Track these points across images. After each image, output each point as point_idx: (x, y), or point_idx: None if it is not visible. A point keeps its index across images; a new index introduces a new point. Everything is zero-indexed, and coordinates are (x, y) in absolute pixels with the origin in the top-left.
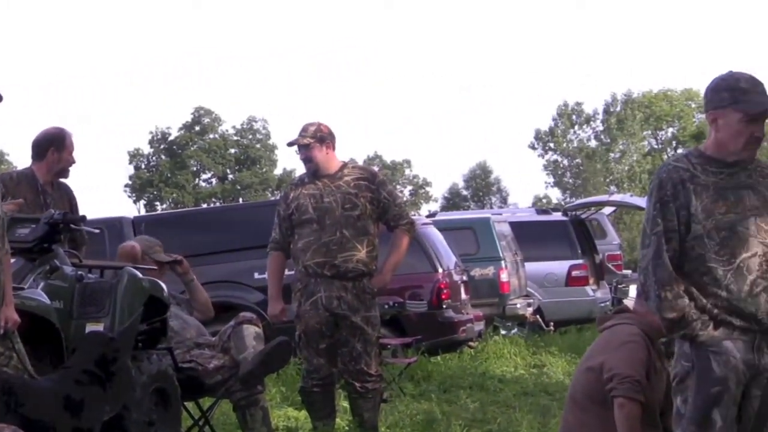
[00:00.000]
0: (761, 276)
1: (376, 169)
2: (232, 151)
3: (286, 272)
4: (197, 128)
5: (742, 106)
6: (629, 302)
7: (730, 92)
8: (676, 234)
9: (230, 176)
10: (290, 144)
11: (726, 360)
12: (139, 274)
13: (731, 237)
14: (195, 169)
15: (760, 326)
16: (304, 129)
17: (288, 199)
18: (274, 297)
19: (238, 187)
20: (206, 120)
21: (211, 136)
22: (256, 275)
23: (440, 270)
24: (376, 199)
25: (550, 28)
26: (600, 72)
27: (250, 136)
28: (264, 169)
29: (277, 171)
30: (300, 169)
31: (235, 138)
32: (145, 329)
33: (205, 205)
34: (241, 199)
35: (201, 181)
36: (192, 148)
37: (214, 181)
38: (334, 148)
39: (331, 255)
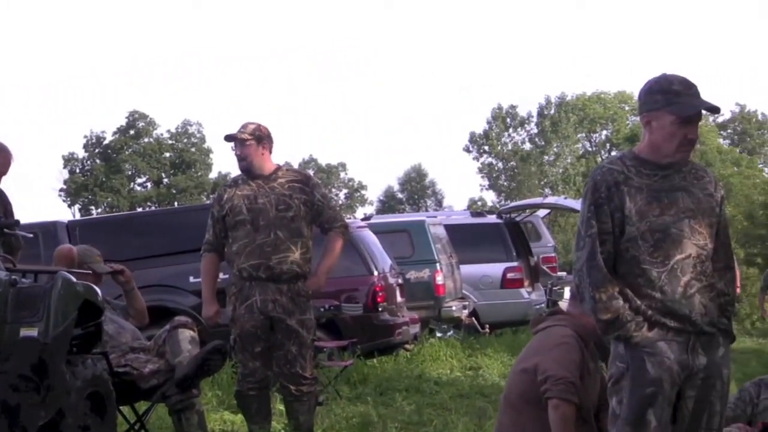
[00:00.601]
0: (695, 277)
1: (310, 172)
2: (167, 155)
3: (221, 276)
4: (132, 132)
5: (674, 109)
6: (564, 304)
7: (663, 95)
8: (610, 236)
9: (165, 180)
10: (228, 137)
11: (660, 361)
12: (74, 279)
13: (665, 239)
14: (130, 173)
15: (694, 327)
16: (244, 126)
17: (222, 201)
18: (208, 299)
19: (174, 191)
20: (141, 124)
21: (146, 140)
22: (192, 279)
23: (376, 273)
24: (310, 201)
25: (484, 32)
26: (534, 75)
27: (185, 140)
28: (199, 173)
29: (212, 175)
30: (235, 172)
31: (170, 142)
32: (79, 334)
33: (140, 209)
34: (176, 203)
35: (136, 185)
36: (127, 152)
37: (149, 185)
38: (270, 151)
39: (265, 257)
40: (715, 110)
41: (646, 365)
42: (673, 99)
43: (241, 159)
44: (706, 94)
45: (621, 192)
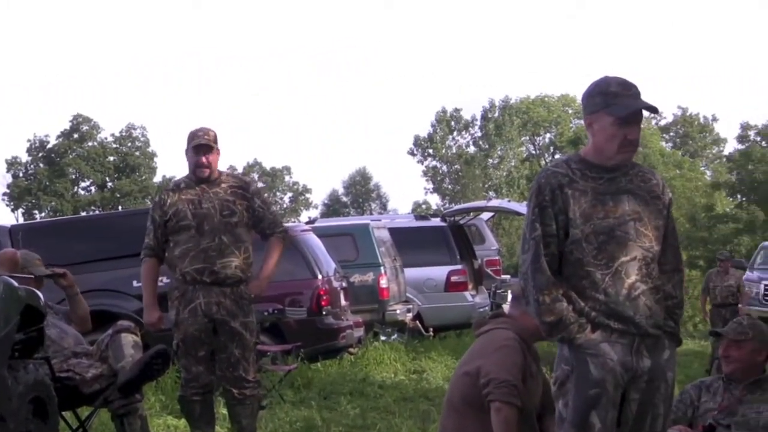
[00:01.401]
0: (640, 279)
1: (251, 177)
2: (111, 158)
3: (162, 280)
4: (76, 136)
5: (612, 110)
6: (508, 307)
7: (602, 96)
8: (554, 238)
9: (109, 184)
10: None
11: (603, 362)
12: (15, 283)
13: (609, 241)
14: (74, 177)
15: (638, 329)
16: (206, 132)
17: (165, 205)
18: (150, 305)
19: (118, 195)
20: (85, 128)
21: (90, 143)
22: (135, 283)
23: (320, 276)
24: (251, 207)
25: (428, 34)
26: (478, 78)
27: (129, 144)
28: (143, 177)
29: (157, 179)
30: (180, 175)
31: (114, 146)
32: (21, 338)
33: (83, 213)
34: (120, 207)
35: (80, 189)
36: (70, 156)
37: (93, 189)
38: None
39: (210, 261)
40: (652, 110)
41: (589, 367)
42: (611, 100)
43: (206, 166)
44: (649, 97)
45: (565, 195)
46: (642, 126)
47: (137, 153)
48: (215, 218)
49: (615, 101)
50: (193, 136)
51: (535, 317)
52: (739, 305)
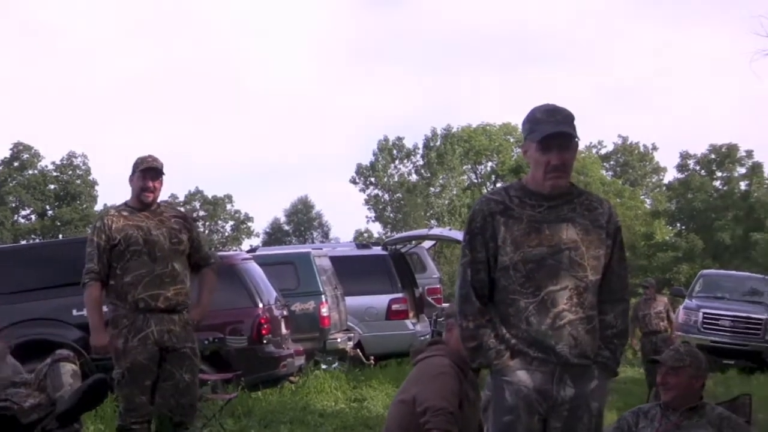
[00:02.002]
0: (569, 309)
1: (194, 205)
2: (52, 187)
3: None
4: (16, 164)
5: (532, 136)
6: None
7: (529, 124)
8: (484, 265)
9: (50, 212)
10: (148, 170)
11: (517, 389)
12: None
13: (538, 270)
14: (14, 205)
15: (558, 359)
16: (154, 159)
17: (110, 230)
18: (99, 327)
19: (58, 223)
20: (25, 156)
21: (31, 171)
22: (75, 312)
23: (260, 305)
24: (191, 238)
25: (371, 63)
26: (420, 107)
27: (70, 172)
28: (84, 205)
29: (98, 207)
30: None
31: (55, 174)
32: None
33: (24, 242)
34: (61, 236)
35: (20, 218)
36: (11, 184)
37: (33, 217)
38: None
39: (164, 287)
40: (567, 135)
41: (504, 393)
42: (534, 127)
43: (151, 191)
44: (587, 127)
45: (496, 222)
46: (582, 154)
47: (78, 181)
48: (165, 245)
49: (536, 128)
50: (141, 161)
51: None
52: (676, 333)
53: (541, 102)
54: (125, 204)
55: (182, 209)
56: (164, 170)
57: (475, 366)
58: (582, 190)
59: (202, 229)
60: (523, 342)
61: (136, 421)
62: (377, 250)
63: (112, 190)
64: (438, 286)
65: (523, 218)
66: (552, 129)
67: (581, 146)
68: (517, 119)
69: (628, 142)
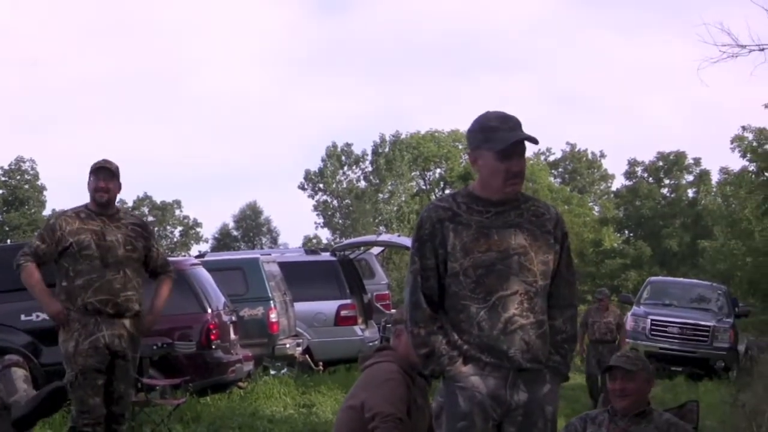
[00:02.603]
0: (519, 314)
1: (142, 211)
2: (0, 192)
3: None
4: None
5: (491, 145)
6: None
7: (482, 132)
8: (434, 272)
9: None
10: (101, 169)
11: (471, 395)
12: None
13: (488, 275)
14: None
15: (511, 364)
16: (109, 162)
17: (63, 231)
18: (47, 299)
19: (6, 229)
20: None
21: None
22: (23, 317)
23: (209, 310)
24: (147, 247)
25: (320, 69)
26: (369, 113)
27: (18, 177)
28: (33, 210)
29: (46, 212)
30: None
31: (3, 179)
32: None
33: None
34: (9, 241)
35: None
36: None
37: None
38: None
39: (114, 293)
40: (532, 140)
41: (458, 399)
42: (490, 135)
43: (106, 191)
44: (536, 134)
45: (445, 228)
46: (531, 161)
47: (26, 186)
48: (119, 251)
49: (493, 136)
50: (96, 163)
51: (412, 349)
52: (626, 339)
53: (490, 109)
54: (84, 207)
55: (143, 218)
56: (119, 174)
57: (428, 373)
58: (528, 196)
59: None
60: (475, 348)
61: (88, 423)
62: (326, 256)
63: (61, 195)
64: (386, 292)
65: (472, 224)
66: (514, 137)
67: (529, 153)
68: (466, 126)
69: (577, 150)
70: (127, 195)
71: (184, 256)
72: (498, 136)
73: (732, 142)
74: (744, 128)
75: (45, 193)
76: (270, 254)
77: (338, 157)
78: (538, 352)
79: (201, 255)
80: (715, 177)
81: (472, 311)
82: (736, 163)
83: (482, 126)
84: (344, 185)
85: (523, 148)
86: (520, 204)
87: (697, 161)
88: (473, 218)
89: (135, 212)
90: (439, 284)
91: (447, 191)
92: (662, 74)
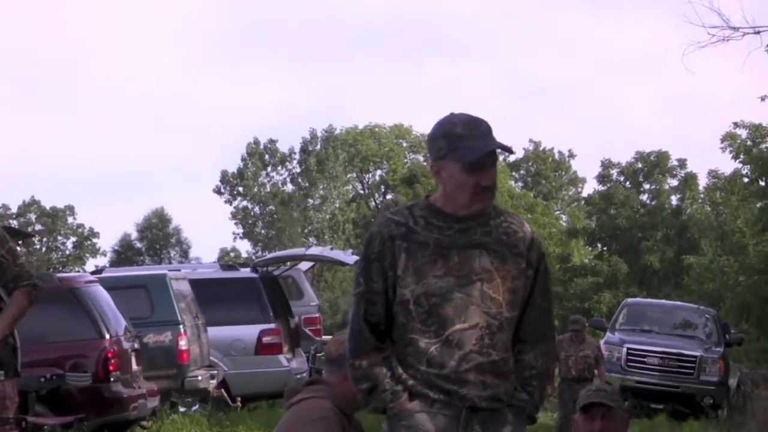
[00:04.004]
0: (477, 351)
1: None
2: None
3: None
4: None
5: (457, 155)
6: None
7: (447, 140)
8: (381, 297)
9: None
10: None
11: None
12: None
13: (443, 304)
14: None
15: (463, 402)
16: None
17: None
18: None
19: None
20: None
21: None
22: None
23: (107, 336)
24: None
25: (234, 53)
26: (297, 106)
27: None
28: None
29: None
30: None
31: None
32: None
33: None
34: None
35: None
36: None
37: None
38: None
39: None
40: (506, 149)
41: None
42: (456, 144)
43: None
44: (495, 130)
45: (397, 247)
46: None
47: None
48: None
49: (460, 145)
50: None
51: (352, 383)
52: (604, 367)
53: (439, 102)
54: None
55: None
56: None
57: (369, 410)
58: (501, 210)
59: (38, 246)
60: (422, 383)
61: None
62: (246, 272)
63: None
64: (317, 315)
65: (429, 243)
66: (484, 147)
67: None
68: (411, 120)
69: (541, 148)
70: (11, 199)
71: (78, 271)
72: (465, 144)
73: (722, 140)
74: (736, 124)
75: None
76: (180, 270)
77: (261, 155)
78: (498, 390)
79: (98, 271)
80: (702, 181)
81: (421, 347)
82: (728, 165)
83: (446, 133)
84: (268, 189)
85: (495, 159)
86: (489, 220)
87: (681, 163)
88: (431, 236)
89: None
90: (387, 310)
91: (389, 196)
92: (640, 61)
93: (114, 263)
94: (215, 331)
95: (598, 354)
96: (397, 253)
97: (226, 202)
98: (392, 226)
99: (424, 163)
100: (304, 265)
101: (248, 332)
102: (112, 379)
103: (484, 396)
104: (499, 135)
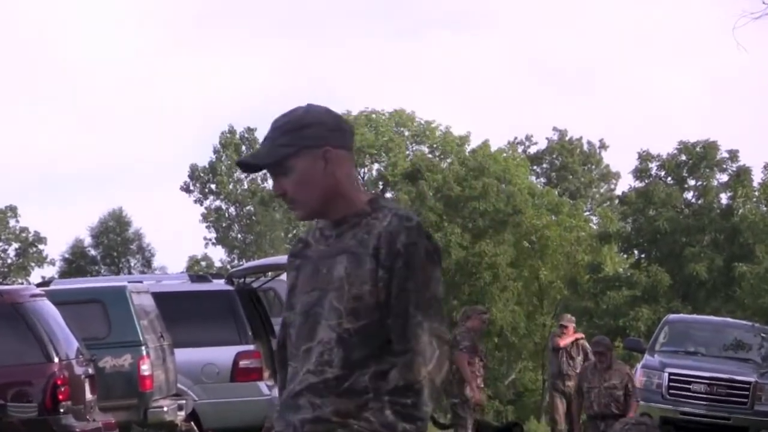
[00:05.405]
0: (313, 371)
1: None
2: None
3: None
4: None
5: None
6: None
7: None
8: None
9: None
10: None
11: None
12: None
13: (306, 323)
14: None
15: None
16: None
17: None
18: None
19: None
20: None
21: None
22: None
23: (56, 360)
24: None
25: (205, 28)
26: (280, 88)
27: None
28: None
29: None
30: None
31: None
32: None
33: None
34: None
35: None
36: None
37: None
38: None
39: None
40: (243, 166)
41: None
42: None
43: None
44: (510, 116)
45: (291, 267)
46: (504, 153)
47: None
48: None
49: None
50: None
51: None
52: (636, 401)
53: (446, 85)
54: None
55: None
56: None
57: None
58: (380, 205)
59: None
60: (278, 412)
61: None
62: (219, 284)
63: None
64: None
65: (314, 257)
66: (242, 157)
67: (502, 142)
68: (413, 105)
69: (567, 138)
70: None
71: (22, 283)
72: None
73: None
74: None
75: None
76: (142, 282)
77: (236, 147)
78: (325, 411)
79: (45, 282)
80: (757, 176)
81: (290, 371)
82: None
83: None
84: (245, 186)
85: (275, 169)
86: (362, 219)
87: (733, 155)
88: (319, 247)
89: None
90: None
91: (388, 195)
92: (683, 36)
93: (64, 274)
94: (184, 354)
95: (628, 383)
96: (290, 273)
97: (195, 201)
98: (297, 244)
99: (429, 155)
100: None
101: (222, 355)
102: (61, 410)
103: (308, 419)
104: (517, 121)
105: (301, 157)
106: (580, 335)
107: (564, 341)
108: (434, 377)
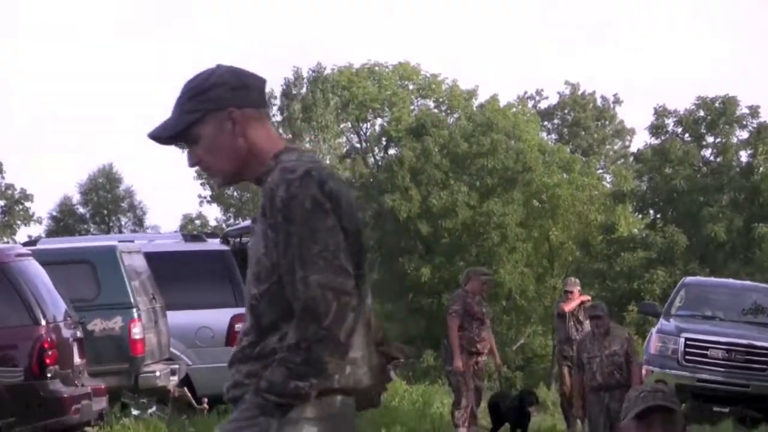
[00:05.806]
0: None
1: None
2: None
3: None
4: None
5: None
6: None
7: None
8: None
9: None
10: None
11: None
12: None
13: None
14: None
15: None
16: None
17: None
18: None
19: None
20: None
21: None
22: None
23: (43, 322)
24: None
25: None
26: (279, 39)
27: None
28: None
29: None
30: None
31: None
32: None
33: None
34: None
35: None
36: None
37: None
38: None
39: None
40: (155, 137)
41: None
42: None
43: None
44: (520, 69)
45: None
46: (513, 108)
47: None
48: None
49: None
50: None
51: None
52: (647, 368)
53: (451, 35)
54: None
55: None
56: None
57: None
58: (283, 156)
59: None
60: None
61: None
62: (214, 243)
63: None
64: None
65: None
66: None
67: (512, 97)
68: (418, 58)
69: (579, 93)
70: None
71: (7, 242)
72: None
73: None
74: None
75: None
76: (133, 241)
77: None
78: (239, 376)
79: (32, 242)
80: None
81: None
82: None
83: None
84: None
85: (185, 139)
86: (267, 176)
87: (753, 111)
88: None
89: None
90: None
91: (391, 151)
92: None
93: (51, 233)
94: (177, 317)
95: (628, 348)
96: None
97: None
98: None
99: (435, 110)
100: None
101: (217, 318)
102: (49, 375)
103: (229, 385)
104: (527, 75)
105: (207, 122)
106: (586, 297)
107: (569, 306)
108: (334, 331)
